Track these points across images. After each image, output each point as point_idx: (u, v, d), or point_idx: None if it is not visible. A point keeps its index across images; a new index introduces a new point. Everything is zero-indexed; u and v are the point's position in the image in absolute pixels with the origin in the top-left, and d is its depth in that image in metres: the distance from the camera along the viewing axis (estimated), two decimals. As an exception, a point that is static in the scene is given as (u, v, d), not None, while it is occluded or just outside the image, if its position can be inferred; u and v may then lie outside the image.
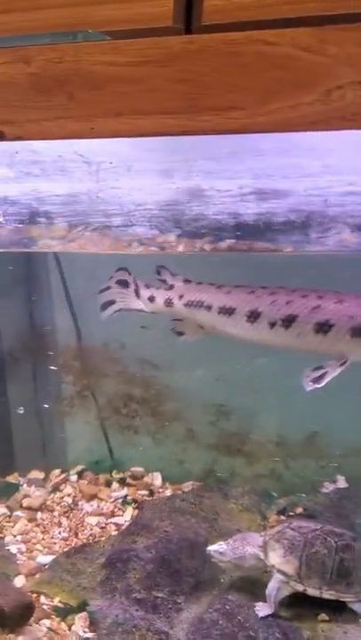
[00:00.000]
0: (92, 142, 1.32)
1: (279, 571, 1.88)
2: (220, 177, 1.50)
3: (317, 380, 1.69)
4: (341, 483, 2.66)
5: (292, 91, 1.17)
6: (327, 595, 1.85)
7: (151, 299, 2.06)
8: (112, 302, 2.10)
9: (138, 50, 1.26)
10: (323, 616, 1.87)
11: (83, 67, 1.29)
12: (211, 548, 1.99)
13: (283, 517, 2.42)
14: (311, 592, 1.85)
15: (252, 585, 1.99)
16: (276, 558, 1.90)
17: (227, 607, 1.91)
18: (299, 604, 1.92)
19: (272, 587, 1.89)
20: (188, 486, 2.70)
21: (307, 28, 1.13)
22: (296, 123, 1.17)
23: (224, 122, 1.20)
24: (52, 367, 2.80)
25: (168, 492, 2.67)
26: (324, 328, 1.69)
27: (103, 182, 1.60)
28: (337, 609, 1.89)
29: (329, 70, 1.15)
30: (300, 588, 1.86)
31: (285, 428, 2.68)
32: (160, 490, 2.71)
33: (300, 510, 2.48)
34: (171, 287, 2.04)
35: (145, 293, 2.07)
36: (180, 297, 2.00)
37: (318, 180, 1.38)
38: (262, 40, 1.17)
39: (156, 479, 2.75)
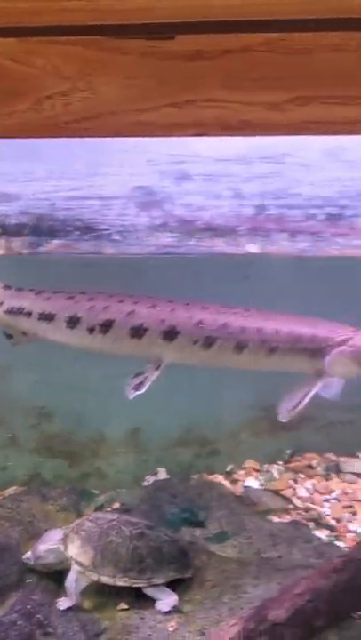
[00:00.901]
0: None
1: (76, 561, 1.93)
2: None
3: (138, 386, 1.74)
4: (162, 474, 2.77)
5: (5, 99, 1.22)
6: (121, 582, 1.91)
7: None
8: None
9: None
10: (122, 605, 1.93)
11: None
12: (24, 557, 2.05)
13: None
14: (105, 580, 1.91)
15: (59, 581, 2.02)
16: (74, 550, 1.95)
17: (27, 607, 1.91)
18: (103, 595, 1.97)
19: (71, 578, 1.93)
20: (11, 492, 2.68)
21: (12, 38, 1.18)
22: (13, 129, 1.23)
23: None
24: None
25: (-9, 500, 2.64)
26: (138, 332, 1.75)
27: None
28: (136, 597, 1.94)
29: (38, 81, 1.20)
30: (95, 577, 1.91)
31: (107, 426, 2.75)
32: (-18, 498, 2.67)
33: (117, 505, 2.54)
34: None
35: None
36: (1, 304, 1.96)
37: (45, 185, 1.44)
38: (-26, 49, 1.21)
39: (-21, 487, 2.71)
